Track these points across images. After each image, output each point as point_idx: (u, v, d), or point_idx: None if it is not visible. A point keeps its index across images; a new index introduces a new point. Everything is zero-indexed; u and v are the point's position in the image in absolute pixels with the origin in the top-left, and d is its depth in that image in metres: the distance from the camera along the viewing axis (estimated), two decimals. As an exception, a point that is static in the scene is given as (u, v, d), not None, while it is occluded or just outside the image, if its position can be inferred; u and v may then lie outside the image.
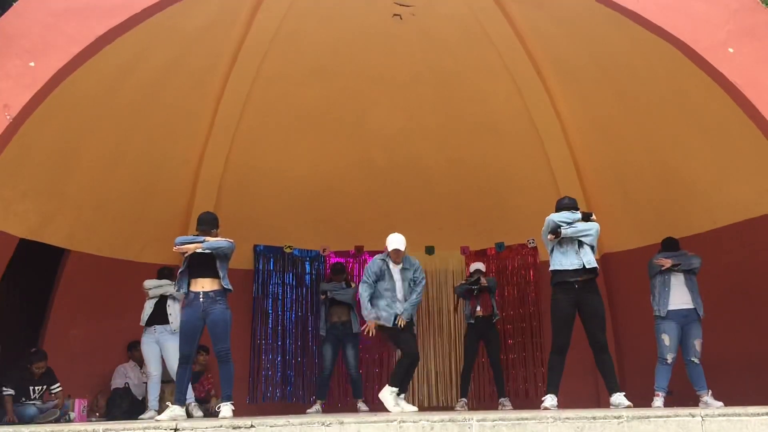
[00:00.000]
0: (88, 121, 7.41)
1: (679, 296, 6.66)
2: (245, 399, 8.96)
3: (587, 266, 5.96)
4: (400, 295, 6.58)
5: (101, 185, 7.97)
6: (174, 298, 7.25)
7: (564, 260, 6.02)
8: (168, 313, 7.23)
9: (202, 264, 5.83)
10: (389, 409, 6.18)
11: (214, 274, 5.82)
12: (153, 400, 7.08)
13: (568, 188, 8.72)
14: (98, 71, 6.60)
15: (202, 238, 5.87)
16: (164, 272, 7.47)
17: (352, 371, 8.10)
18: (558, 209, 6.23)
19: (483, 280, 8.30)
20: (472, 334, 8.37)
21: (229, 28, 8.05)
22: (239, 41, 8.28)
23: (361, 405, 7.99)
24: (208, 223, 6.01)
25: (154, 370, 7.17)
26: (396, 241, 6.67)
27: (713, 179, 7.50)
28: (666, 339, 6.58)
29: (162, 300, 7.28)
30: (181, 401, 5.76)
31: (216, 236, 5.97)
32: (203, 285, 5.80)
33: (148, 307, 7.27)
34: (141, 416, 6.87)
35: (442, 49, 8.56)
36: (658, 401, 6.43)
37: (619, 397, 5.81)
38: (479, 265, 8.62)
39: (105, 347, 8.07)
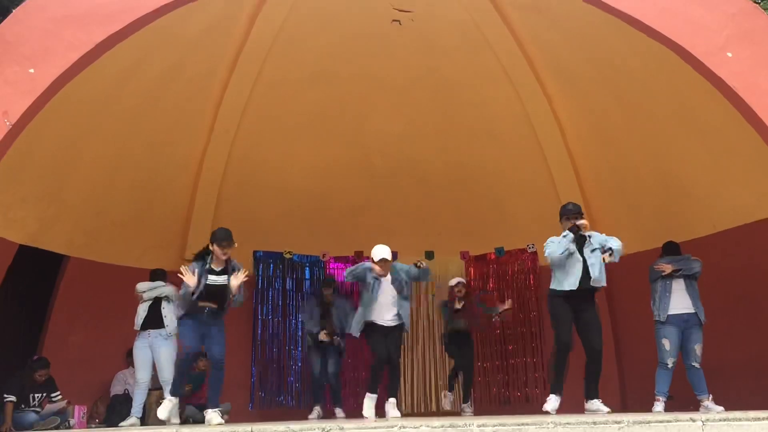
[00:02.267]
0: (88, 127, 7.42)
1: (680, 301, 6.65)
2: (247, 405, 8.95)
3: (593, 285, 5.93)
4: (386, 306, 6.55)
5: (100, 191, 7.97)
6: (169, 300, 7.07)
7: (564, 281, 5.99)
8: (163, 315, 7.02)
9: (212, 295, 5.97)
10: (365, 414, 6.25)
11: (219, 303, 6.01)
12: (137, 406, 6.90)
13: (568, 193, 8.73)
14: (98, 77, 6.60)
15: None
16: (157, 273, 7.39)
17: (332, 380, 8.17)
18: (562, 215, 6.17)
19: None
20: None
21: (228, 34, 8.07)
22: (239, 46, 8.29)
23: (338, 411, 8.06)
24: (227, 239, 6.04)
25: (143, 376, 6.99)
26: (379, 252, 6.59)
27: (713, 184, 7.50)
28: (666, 343, 6.57)
29: (156, 303, 7.09)
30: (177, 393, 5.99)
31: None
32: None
33: (142, 310, 7.08)
34: (121, 423, 6.76)
35: (442, 54, 8.57)
36: (659, 406, 6.43)
37: (596, 404, 5.84)
38: (458, 280, 8.53)
39: (104, 354, 8.05)
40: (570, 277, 5.94)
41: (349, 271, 6.74)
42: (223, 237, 6.00)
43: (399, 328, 6.61)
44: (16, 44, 5.66)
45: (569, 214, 6.13)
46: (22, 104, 5.53)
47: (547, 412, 5.78)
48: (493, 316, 8.40)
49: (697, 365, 6.52)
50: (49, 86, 5.63)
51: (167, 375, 6.76)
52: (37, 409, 7.02)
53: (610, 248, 5.96)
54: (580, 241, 6.02)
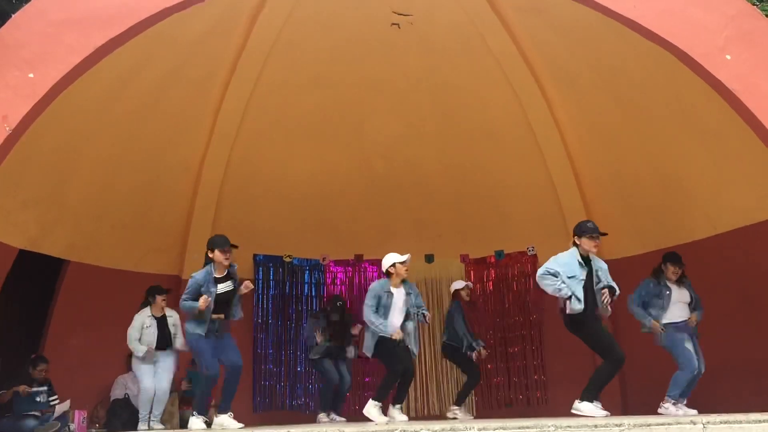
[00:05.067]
0: (88, 131, 7.42)
1: (678, 312, 6.64)
2: (248, 409, 8.93)
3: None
4: (397, 318, 6.53)
5: (100, 195, 7.97)
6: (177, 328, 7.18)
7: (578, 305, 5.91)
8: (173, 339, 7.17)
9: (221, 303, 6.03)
10: (376, 421, 6.16)
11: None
12: (157, 413, 7.04)
13: (567, 195, 8.73)
14: (98, 81, 6.61)
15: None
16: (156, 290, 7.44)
17: (347, 386, 8.11)
18: (581, 232, 6.05)
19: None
20: None
21: (228, 37, 8.08)
22: (238, 50, 8.30)
23: (335, 416, 7.95)
24: (228, 243, 6.10)
25: (150, 384, 7.06)
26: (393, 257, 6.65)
27: (712, 185, 7.50)
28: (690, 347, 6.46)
29: (162, 322, 7.22)
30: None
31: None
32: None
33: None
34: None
35: (441, 57, 8.58)
36: (674, 409, 6.39)
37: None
38: (459, 284, 8.45)
39: (104, 358, 8.03)
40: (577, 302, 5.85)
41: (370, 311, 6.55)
42: (223, 242, 6.05)
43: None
44: (16, 48, 5.66)
45: (591, 231, 5.99)
46: (22, 108, 5.53)
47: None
48: None
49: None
50: (49, 90, 5.64)
51: (165, 384, 7.02)
52: (37, 414, 7.00)
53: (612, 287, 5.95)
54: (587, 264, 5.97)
